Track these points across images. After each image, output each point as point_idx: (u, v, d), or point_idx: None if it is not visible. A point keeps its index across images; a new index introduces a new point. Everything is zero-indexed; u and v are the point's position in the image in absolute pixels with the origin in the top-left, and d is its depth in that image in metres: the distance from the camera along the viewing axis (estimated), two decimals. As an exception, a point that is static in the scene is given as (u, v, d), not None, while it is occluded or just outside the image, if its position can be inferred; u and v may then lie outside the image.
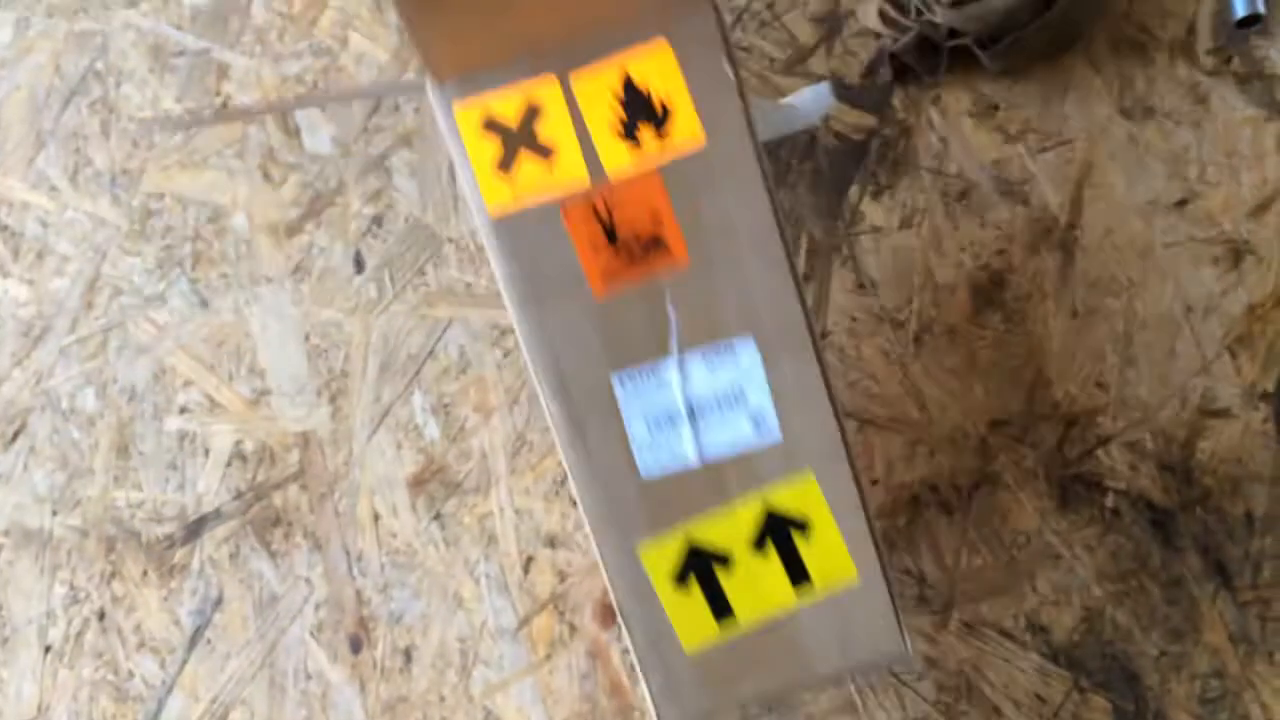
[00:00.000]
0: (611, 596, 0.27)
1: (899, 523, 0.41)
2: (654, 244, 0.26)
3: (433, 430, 0.44)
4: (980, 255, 0.43)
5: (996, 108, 0.45)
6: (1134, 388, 0.42)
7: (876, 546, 0.26)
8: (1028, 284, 0.43)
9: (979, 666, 0.40)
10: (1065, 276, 0.43)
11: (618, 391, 0.27)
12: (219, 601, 0.43)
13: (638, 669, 0.27)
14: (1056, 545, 0.41)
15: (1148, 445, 0.41)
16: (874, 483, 0.42)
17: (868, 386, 0.43)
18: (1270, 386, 0.41)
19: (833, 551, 0.27)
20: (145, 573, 0.43)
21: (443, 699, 0.41)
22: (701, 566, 0.27)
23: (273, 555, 0.43)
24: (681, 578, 0.27)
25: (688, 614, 0.26)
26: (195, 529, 0.44)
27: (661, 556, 0.27)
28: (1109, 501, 0.41)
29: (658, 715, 0.27)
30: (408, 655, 0.42)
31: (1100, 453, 0.41)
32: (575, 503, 0.42)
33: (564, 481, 0.43)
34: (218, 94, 0.47)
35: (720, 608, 0.26)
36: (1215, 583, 0.40)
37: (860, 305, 0.43)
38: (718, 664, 0.27)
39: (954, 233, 0.43)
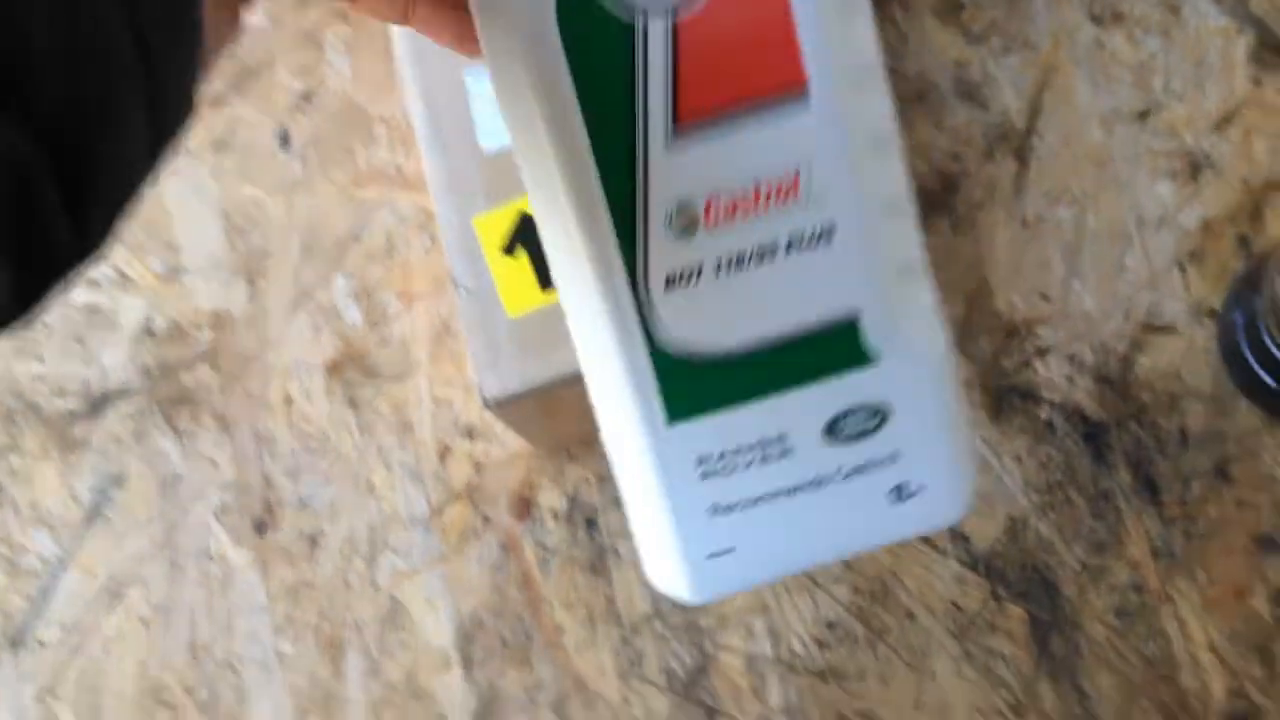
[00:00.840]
0: (448, 262, 0.46)
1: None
2: None
3: (354, 315, 0.63)
4: (933, 159, 0.62)
5: (961, 6, 0.64)
6: (1079, 300, 0.61)
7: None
8: (980, 191, 0.62)
9: (897, 572, 0.58)
10: (1019, 185, 0.62)
11: (468, 77, 0.47)
12: (120, 479, 0.62)
13: (464, 332, 0.46)
14: (986, 454, 0.59)
15: (1087, 358, 0.60)
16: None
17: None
18: (1218, 304, 0.60)
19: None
20: (45, 447, 0.62)
21: (348, 586, 0.60)
22: (530, 236, 0.45)
23: (179, 435, 0.62)
24: (509, 248, 0.46)
25: (513, 280, 0.45)
26: (99, 405, 0.63)
27: (495, 227, 0.45)
28: (1043, 413, 0.60)
29: (478, 377, 0.46)
30: (314, 541, 0.61)
31: (1038, 364, 0.60)
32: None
33: (485, 372, 0.62)
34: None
35: (544, 277, 0.46)
36: (1143, 498, 0.58)
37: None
38: (537, 329, 0.45)
39: (909, 135, 0.62)
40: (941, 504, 0.34)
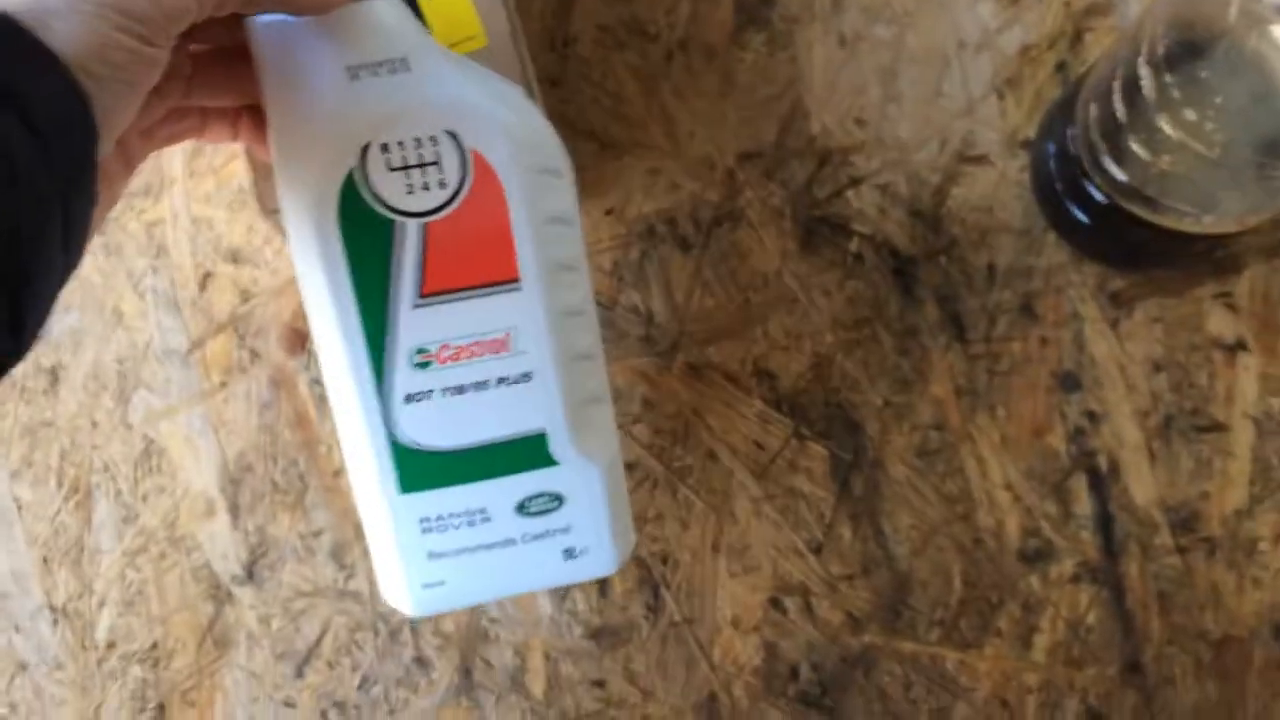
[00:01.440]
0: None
1: (630, 255, 0.56)
2: None
3: (94, 119, 0.55)
4: (749, -32, 0.57)
5: None
6: (894, 126, 0.57)
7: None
8: (798, 5, 0.57)
9: (700, 411, 0.55)
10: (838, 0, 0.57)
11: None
12: None
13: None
14: (794, 289, 0.56)
15: (900, 189, 0.57)
16: (608, 212, 0.56)
17: (612, 105, 0.56)
18: (1032, 133, 0.57)
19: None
20: None
21: (95, 424, 0.54)
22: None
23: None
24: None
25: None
26: None
27: None
28: (853, 246, 0.57)
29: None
30: (54, 375, 0.54)
31: (850, 194, 0.57)
32: (270, 212, 0.55)
33: (249, 189, 0.55)
34: None
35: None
36: (949, 334, 0.56)
37: (612, 14, 0.56)
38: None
39: (722, -61, 0.57)
40: (600, 560, 0.46)
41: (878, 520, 0.54)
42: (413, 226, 0.39)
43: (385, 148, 0.38)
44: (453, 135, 0.39)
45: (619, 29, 0.56)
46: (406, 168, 0.39)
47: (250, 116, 0.41)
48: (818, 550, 0.54)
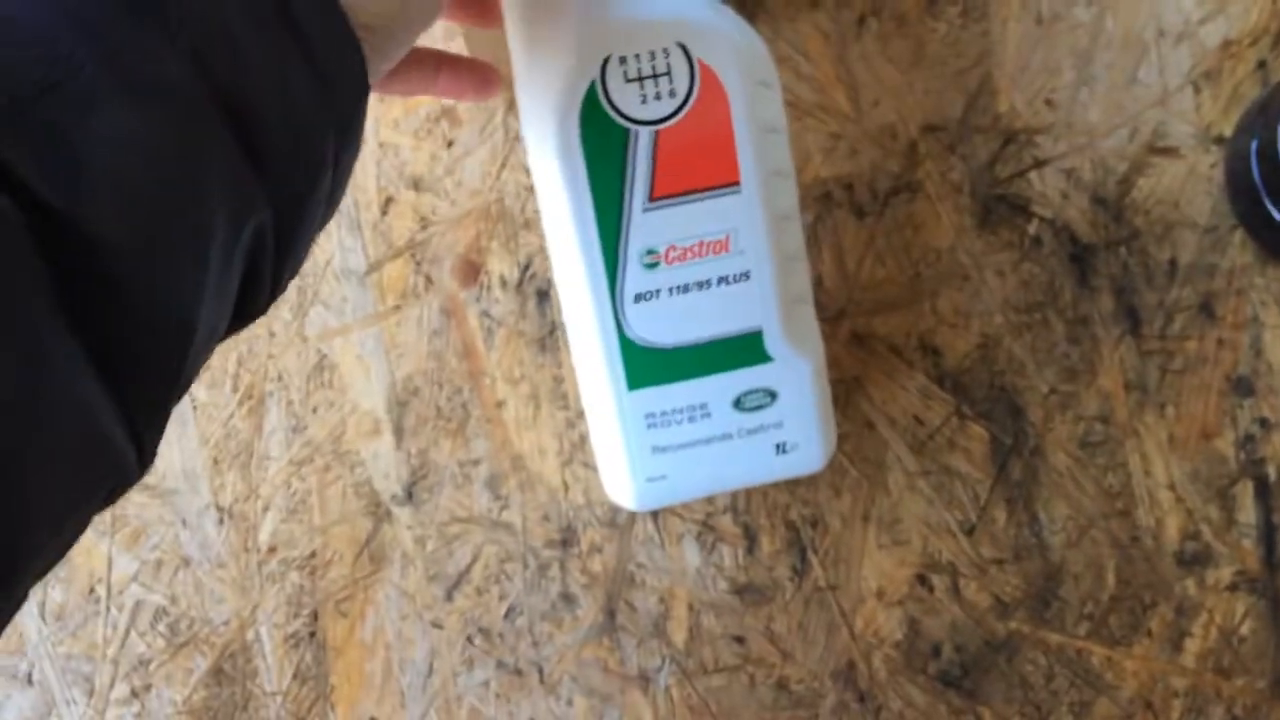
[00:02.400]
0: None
1: (804, 219, 0.56)
2: None
3: (297, 40, 0.56)
4: (951, -60, 0.57)
5: None
6: (1084, 111, 0.56)
7: None
8: (997, -20, 0.57)
9: (861, 380, 0.55)
10: (1040, -21, 0.57)
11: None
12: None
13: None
14: (967, 266, 0.56)
15: (1085, 174, 0.56)
16: (785, 169, 0.56)
17: (797, 65, 0.57)
18: (1227, 130, 0.56)
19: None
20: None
21: (272, 335, 0.55)
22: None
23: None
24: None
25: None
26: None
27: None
28: (1031, 228, 0.56)
29: None
30: (239, 284, 0.55)
31: (1034, 175, 0.56)
32: (449, 143, 0.56)
33: (438, 120, 0.56)
34: None
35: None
36: (1123, 327, 0.55)
37: (804, -31, 0.56)
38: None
39: (925, -91, 0.57)
40: (808, 456, 0.50)
41: (1033, 507, 0.54)
42: (645, 134, 0.43)
43: (623, 60, 0.42)
44: (683, 48, 0.42)
45: (814, -9, 0.55)
46: (641, 79, 0.42)
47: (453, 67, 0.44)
48: (970, 531, 0.54)
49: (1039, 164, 0.56)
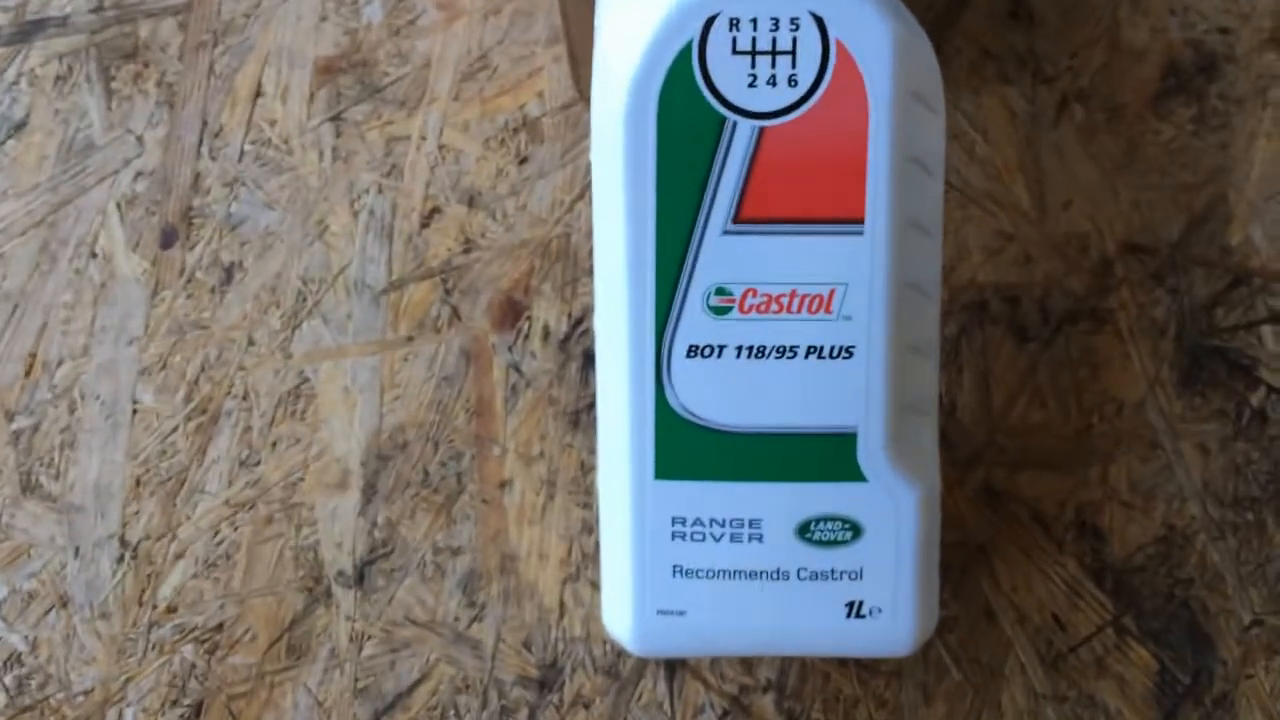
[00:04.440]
0: None
1: (946, 328, 0.43)
2: None
3: (374, 11, 0.47)
4: (1195, 25, 0.45)
5: None
6: (1347, 262, 0.43)
7: None
8: (1248, 82, 0.45)
9: (988, 551, 0.41)
10: (1304, 91, 0.45)
11: None
12: (21, 126, 0.47)
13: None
14: (1158, 431, 0.42)
15: (1339, 342, 0.42)
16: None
17: (972, 143, 0.45)
18: None
19: None
20: (-55, 67, 0.48)
21: (252, 343, 0.44)
22: None
23: (110, 95, 0.47)
24: None
25: None
26: (28, 31, 0.48)
27: None
28: (1254, 399, 0.42)
29: None
30: (228, 274, 0.45)
31: (1266, 330, 0.43)
32: (522, 160, 0.46)
33: (518, 131, 0.46)
34: None
35: None
36: (1371, 554, 0.40)
37: (1001, 39, 0.45)
38: None
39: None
40: (891, 633, 0.36)
41: (1211, 779, 0.38)
42: (744, 128, 0.33)
43: (734, 24, 0.32)
44: (818, 22, 0.32)
45: (1008, 58, 0.44)
46: (754, 53, 0.32)
47: None
48: (1111, 793, 0.37)
49: (1276, 317, 0.42)
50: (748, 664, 0.42)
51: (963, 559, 0.42)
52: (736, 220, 0.33)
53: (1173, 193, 0.45)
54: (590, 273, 0.46)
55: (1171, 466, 0.42)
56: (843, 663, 0.42)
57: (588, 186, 0.46)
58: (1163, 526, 0.42)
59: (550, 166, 0.47)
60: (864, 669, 0.42)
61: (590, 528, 0.43)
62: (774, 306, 0.34)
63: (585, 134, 0.47)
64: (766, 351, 0.34)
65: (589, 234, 0.46)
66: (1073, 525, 0.42)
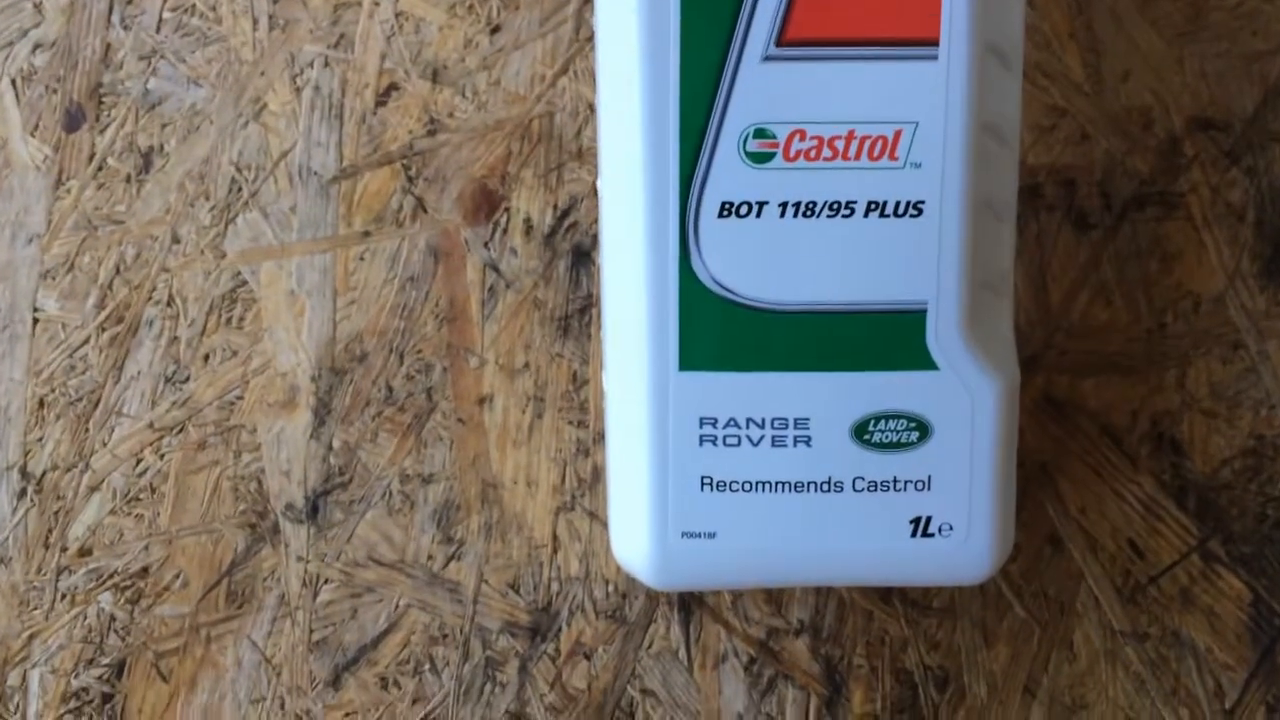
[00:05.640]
0: None
1: (997, 214, 0.38)
2: None
3: None
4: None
5: None
6: None
7: None
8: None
9: (1052, 470, 0.37)
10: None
11: None
12: (-106, -10, 0.40)
13: None
14: (1241, 329, 0.38)
15: None
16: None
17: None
18: None
19: None
20: None
21: (177, 240, 0.38)
22: None
23: (2, -46, 0.41)
24: None
25: None
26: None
27: None
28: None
29: None
30: (147, 160, 0.39)
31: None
32: (494, 29, 0.40)
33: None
34: None
35: None
36: None
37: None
38: None
39: None
40: (965, 555, 0.31)
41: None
42: None
43: None
44: None
45: (1055, -87, 0.39)
46: None
47: None
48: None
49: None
50: (776, 603, 0.36)
51: (1022, 479, 0.37)
52: (780, 43, 0.28)
53: (1244, 61, 0.40)
54: (578, 157, 0.40)
55: (1257, 369, 0.38)
56: (888, 600, 0.36)
57: (571, 59, 0.41)
58: (1250, 437, 0.38)
59: (527, 35, 0.41)
60: (912, 606, 0.36)
61: (586, 449, 0.37)
62: (826, 151, 0.29)
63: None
64: (817, 209, 0.29)
65: (574, 113, 0.40)
66: (1147, 438, 0.38)
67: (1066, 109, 0.40)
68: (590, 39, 0.41)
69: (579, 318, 0.39)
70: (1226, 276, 0.39)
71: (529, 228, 0.40)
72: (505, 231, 0.40)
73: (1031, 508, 0.38)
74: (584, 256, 0.39)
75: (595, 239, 0.40)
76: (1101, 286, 0.39)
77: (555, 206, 0.40)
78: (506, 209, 0.40)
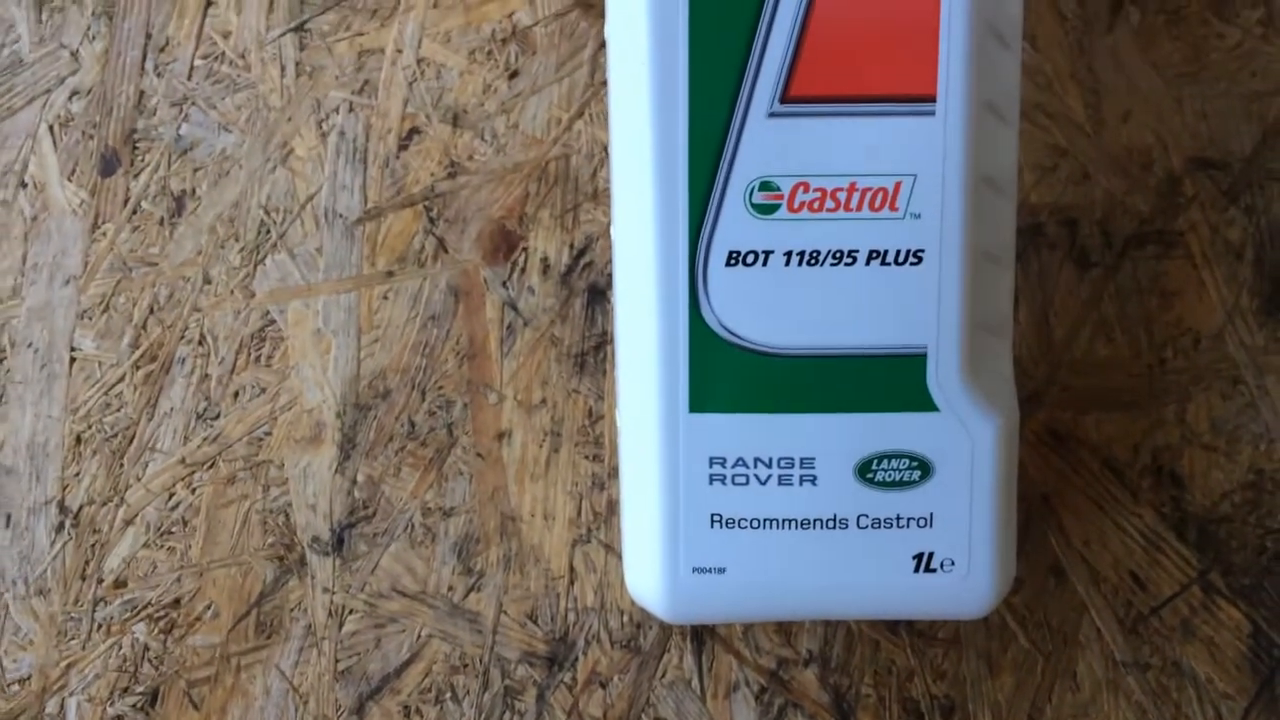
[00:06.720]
0: None
1: (1000, 253, 0.39)
2: None
3: (341, -91, 0.43)
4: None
5: None
6: None
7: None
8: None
9: (1053, 502, 0.38)
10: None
11: None
12: (-63, 41, 0.42)
13: None
14: (1240, 365, 0.38)
15: None
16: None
17: (1022, 52, 0.41)
18: None
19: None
20: None
21: (208, 281, 0.40)
22: None
23: (40, 4, 0.42)
24: None
25: None
26: (-55, -64, 0.43)
27: None
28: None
29: None
30: (179, 204, 0.41)
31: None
32: (512, 74, 0.41)
33: (506, 42, 0.42)
34: None
35: None
36: None
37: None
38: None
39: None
40: (966, 590, 0.32)
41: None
42: None
43: None
44: None
45: (1057, -43, 0.40)
46: None
47: None
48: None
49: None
50: (786, 634, 0.38)
51: (1025, 512, 0.38)
52: (784, 100, 0.29)
53: (1243, 102, 0.41)
54: (594, 198, 0.41)
55: (1256, 404, 0.39)
56: (894, 631, 0.37)
57: (587, 103, 0.42)
58: (1249, 471, 0.38)
59: (544, 80, 0.42)
60: (919, 636, 0.37)
61: (602, 483, 0.39)
62: (829, 203, 0.30)
63: (582, 45, 0.43)
64: (821, 257, 0.30)
65: (590, 155, 0.41)
66: (1148, 472, 0.38)
67: (1068, 149, 0.41)
68: (604, 83, 0.42)
69: (594, 354, 0.40)
70: (1226, 313, 0.40)
71: (546, 267, 0.41)
72: (523, 271, 0.41)
73: (1035, 540, 0.38)
74: (599, 295, 0.41)
75: (610, 278, 0.41)
76: (1103, 323, 0.40)
77: (571, 246, 0.41)
78: (524, 249, 0.41)
